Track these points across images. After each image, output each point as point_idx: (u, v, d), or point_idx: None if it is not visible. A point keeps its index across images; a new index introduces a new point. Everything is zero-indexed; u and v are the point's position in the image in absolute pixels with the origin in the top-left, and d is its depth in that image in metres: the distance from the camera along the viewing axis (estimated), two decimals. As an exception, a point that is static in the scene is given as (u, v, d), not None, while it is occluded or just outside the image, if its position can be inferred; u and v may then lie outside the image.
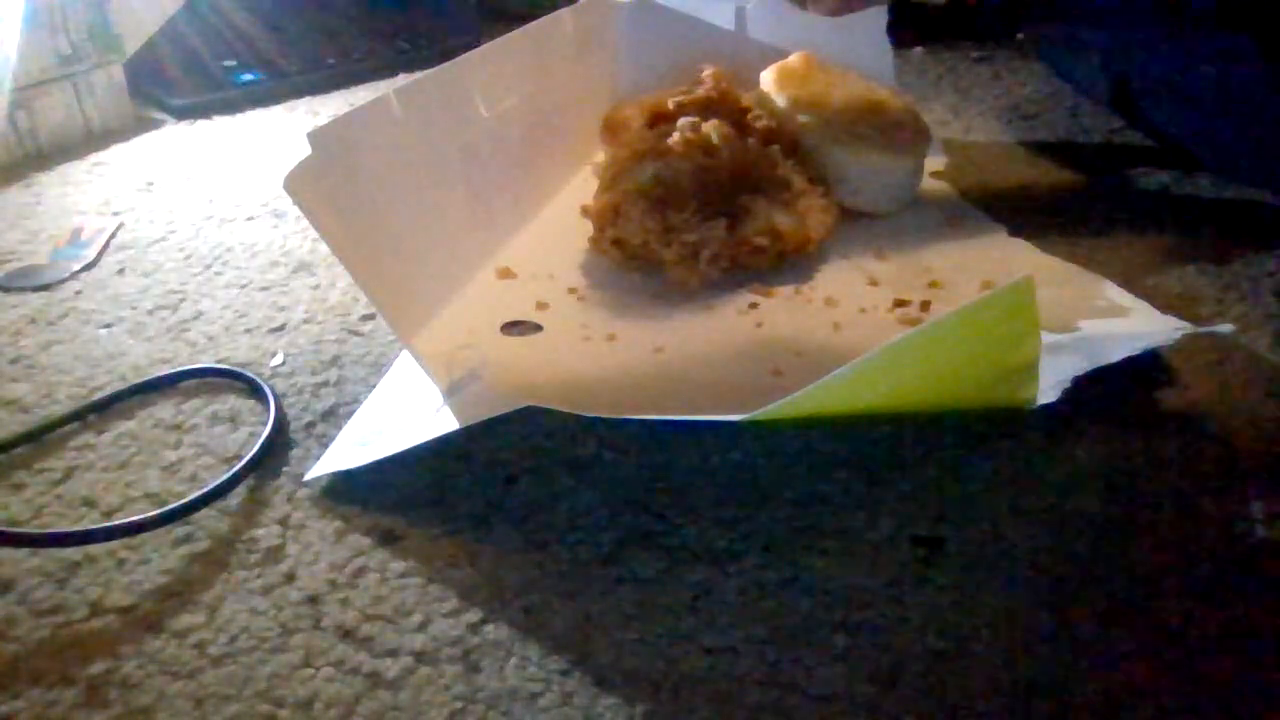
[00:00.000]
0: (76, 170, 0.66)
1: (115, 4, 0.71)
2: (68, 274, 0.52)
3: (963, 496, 0.35)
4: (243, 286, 0.51)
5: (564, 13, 0.57)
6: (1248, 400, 0.39)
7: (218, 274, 0.52)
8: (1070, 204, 0.56)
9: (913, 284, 0.47)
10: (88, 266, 0.53)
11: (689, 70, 0.58)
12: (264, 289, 0.50)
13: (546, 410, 0.35)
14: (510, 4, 0.96)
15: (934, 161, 0.59)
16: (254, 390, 0.42)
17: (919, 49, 0.82)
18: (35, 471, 0.38)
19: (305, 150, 0.35)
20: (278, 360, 0.44)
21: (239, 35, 0.85)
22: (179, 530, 0.34)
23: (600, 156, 0.55)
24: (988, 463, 0.36)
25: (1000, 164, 0.61)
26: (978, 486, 0.35)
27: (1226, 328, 0.38)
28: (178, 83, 0.79)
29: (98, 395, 0.42)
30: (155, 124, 0.75)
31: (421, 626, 0.31)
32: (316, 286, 0.50)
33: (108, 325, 0.48)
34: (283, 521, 0.35)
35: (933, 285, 0.47)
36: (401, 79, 0.82)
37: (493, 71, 0.50)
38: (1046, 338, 0.34)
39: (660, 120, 0.52)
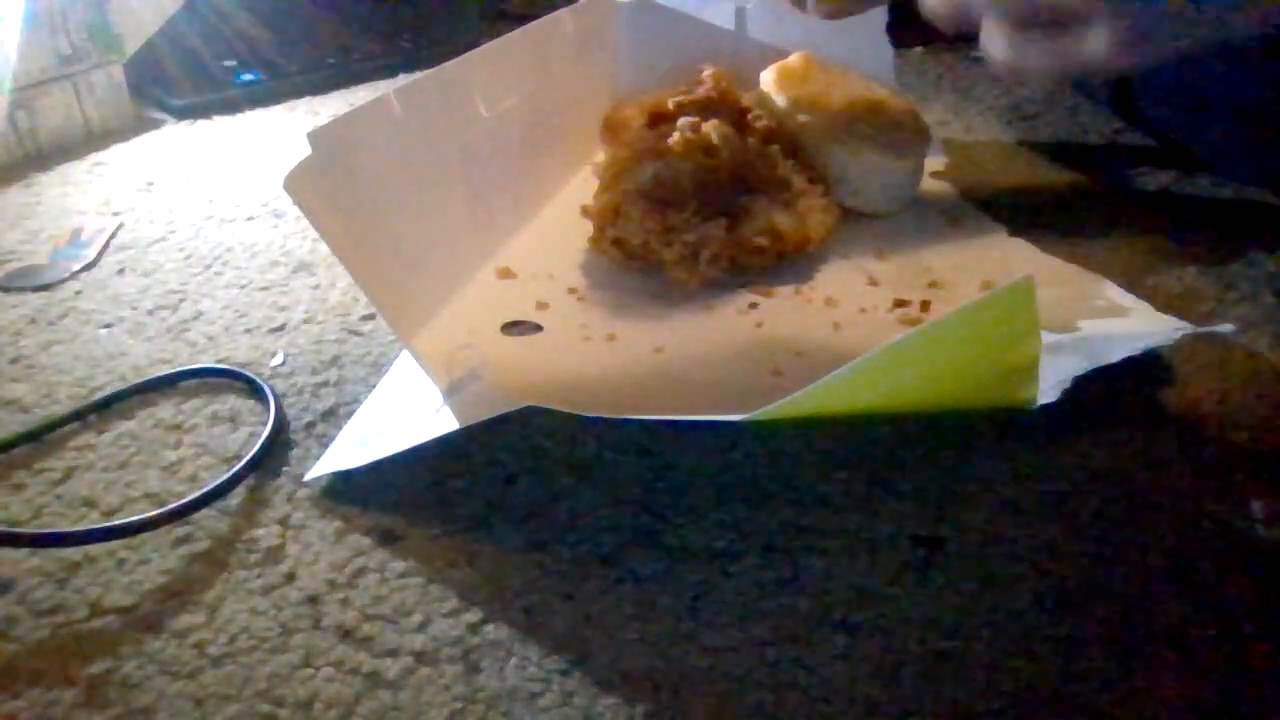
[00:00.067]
0: (76, 170, 0.66)
1: (115, 4, 0.71)
2: (68, 274, 0.52)
3: (963, 496, 0.35)
4: (243, 286, 0.51)
5: (564, 13, 0.57)
6: (1248, 400, 0.39)
7: (218, 274, 0.52)
8: (1070, 204, 0.56)
9: (913, 284, 0.47)
10: (88, 266, 0.53)
11: (689, 70, 0.58)
12: (264, 289, 0.50)
13: (546, 410, 0.35)
14: (510, 4, 0.96)
15: (934, 161, 0.59)
16: (254, 390, 0.42)
17: (919, 49, 0.82)
18: (35, 471, 0.38)
19: (305, 150, 0.35)
20: (278, 360, 0.44)
21: (239, 35, 0.85)
22: (179, 530, 0.34)
23: (600, 156, 0.55)
24: (988, 463, 0.36)
25: (1000, 164, 0.61)
26: (978, 486, 0.35)
27: (1226, 328, 0.38)
28: (178, 83, 0.79)
29: (98, 395, 0.42)
30: (155, 124, 0.75)
31: (421, 626, 0.31)
32: (316, 286, 0.50)
33: (108, 325, 0.48)
34: (283, 521, 0.35)
35: (933, 285, 0.47)
36: (401, 79, 0.82)
37: (493, 71, 0.50)
38: (1046, 338, 0.34)
39: (660, 120, 0.52)
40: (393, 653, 0.30)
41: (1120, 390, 0.39)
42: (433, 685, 0.29)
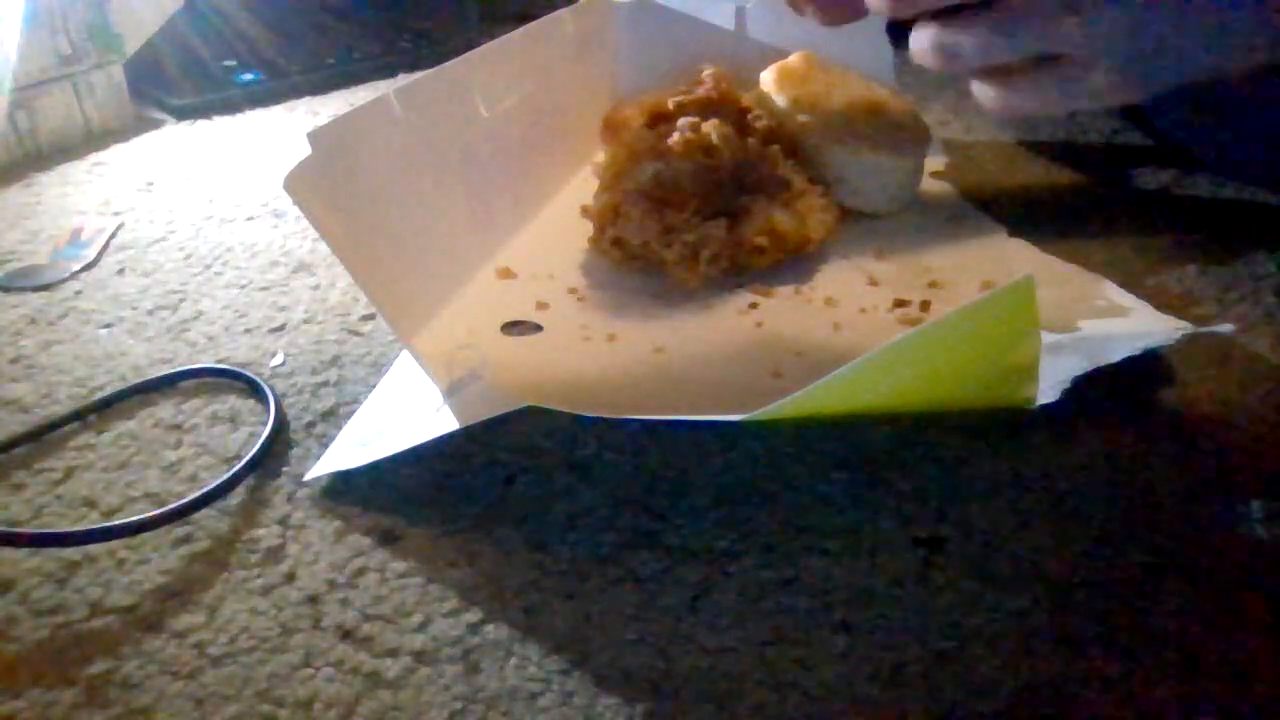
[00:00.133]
0: (76, 170, 0.66)
1: (115, 4, 0.71)
2: (68, 274, 0.52)
3: (963, 496, 0.35)
4: (243, 286, 0.51)
5: (564, 13, 0.57)
6: (1248, 400, 0.39)
7: (218, 274, 0.52)
8: (1070, 204, 0.56)
9: (913, 284, 0.47)
10: (88, 266, 0.53)
11: (689, 70, 0.58)
12: (264, 289, 0.50)
13: (546, 410, 0.35)
14: (510, 4, 0.96)
15: (934, 161, 0.59)
16: (254, 390, 0.42)
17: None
18: (35, 471, 0.38)
19: (305, 150, 0.35)
20: (278, 360, 0.44)
21: (239, 35, 0.85)
22: (179, 530, 0.34)
23: (600, 156, 0.55)
24: (988, 463, 0.36)
25: (1000, 164, 0.61)
26: (978, 486, 0.35)
27: (1226, 328, 0.38)
28: (178, 83, 0.79)
29: (98, 395, 0.42)
30: (155, 124, 0.75)
31: (421, 626, 0.31)
32: (316, 286, 0.50)
33: (108, 325, 0.48)
34: (283, 521, 0.35)
35: (933, 285, 0.47)
36: (401, 79, 0.82)
37: (493, 71, 0.50)
38: (1046, 338, 0.34)
39: (660, 120, 0.52)
40: (393, 653, 0.30)
41: (1120, 390, 0.39)
42: (433, 685, 0.29)
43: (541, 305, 0.46)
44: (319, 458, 0.37)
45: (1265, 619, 0.30)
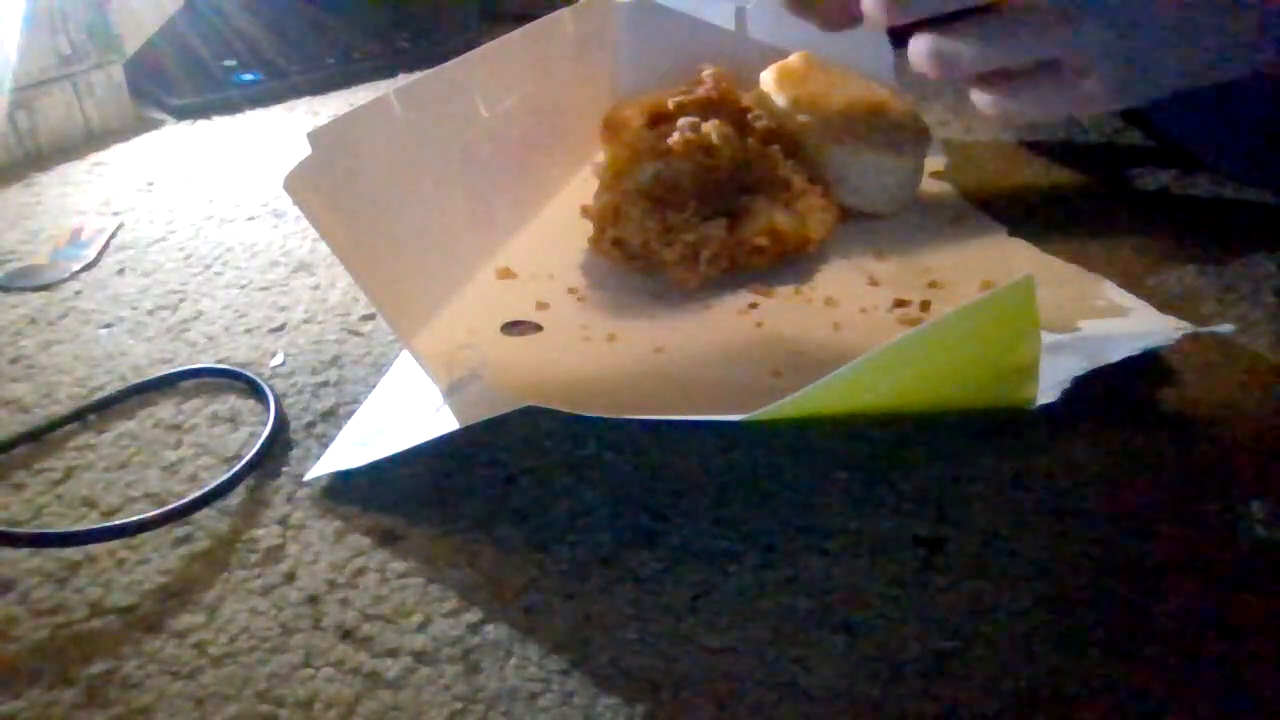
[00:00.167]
0: (76, 170, 0.66)
1: (115, 4, 0.71)
2: (68, 274, 0.52)
3: (963, 496, 0.35)
4: (243, 286, 0.51)
5: (564, 13, 0.57)
6: (1248, 400, 0.39)
7: (218, 274, 0.52)
8: (1070, 204, 0.56)
9: (913, 284, 0.47)
10: (88, 266, 0.53)
11: (689, 70, 0.58)
12: (264, 289, 0.50)
13: (546, 410, 0.35)
14: (510, 4, 0.96)
15: (934, 161, 0.59)
16: (254, 390, 0.42)
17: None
18: (35, 471, 0.38)
19: (305, 150, 0.35)
20: (278, 360, 0.44)
21: (239, 35, 0.85)
22: (179, 530, 0.34)
23: (600, 156, 0.55)
24: (988, 463, 0.36)
25: (1000, 164, 0.61)
26: (978, 487, 0.35)
27: (1226, 328, 0.38)
28: (178, 83, 0.79)
29: (98, 395, 0.42)
30: (155, 124, 0.75)
31: (421, 626, 0.31)
32: (316, 286, 0.50)
33: (108, 325, 0.48)
34: (283, 521, 0.35)
35: (933, 285, 0.47)
36: (401, 79, 0.82)
37: (493, 71, 0.50)
38: (1046, 338, 0.34)
39: (660, 120, 0.52)
40: (393, 653, 0.30)
41: (1120, 390, 0.39)
42: (433, 685, 0.29)
43: (541, 305, 0.46)
44: (319, 458, 0.37)
45: (1265, 619, 0.30)
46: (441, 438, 0.35)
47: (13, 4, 0.65)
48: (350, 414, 0.40)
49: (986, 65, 0.38)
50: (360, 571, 0.33)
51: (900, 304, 0.45)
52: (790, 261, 0.48)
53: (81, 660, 0.30)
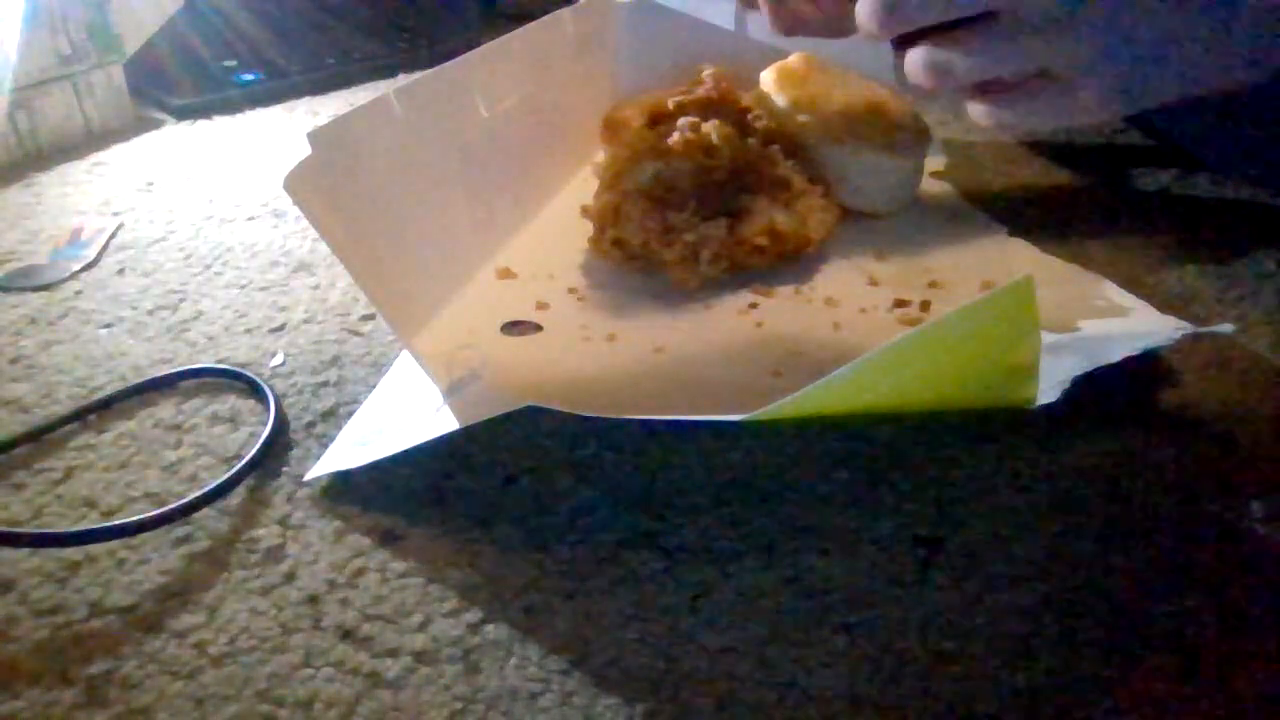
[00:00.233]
0: (76, 170, 0.66)
1: (115, 4, 0.71)
2: (68, 274, 0.52)
3: (963, 496, 0.35)
4: (243, 286, 0.51)
5: (564, 13, 0.57)
6: (1248, 400, 0.39)
7: (218, 274, 0.52)
8: (1070, 204, 0.56)
9: (913, 284, 0.47)
10: (88, 266, 0.53)
11: (689, 70, 0.58)
12: (264, 289, 0.50)
13: (546, 410, 0.35)
14: (510, 4, 0.96)
15: (934, 161, 0.59)
16: (254, 390, 0.42)
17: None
18: (35, 471, 0.38)
19: (305, 150, 0.35)
20: (278, 360, 0.44)
21: (239, 35, 0.85)
22: (179, 530, 0.34)
23: (600, 156, 0.55)
24: (988, 463, 0.36)
25: (1000, 164, 0.61)
26: (978, 486, 0.35)
27: (1226, 328, 0.38)
28: (178, 83, 0.79)
29: (98, 395, 0.42)
30: (155, 124, 0.75)
31: (421, 626, 0.31)
32: (316, 286, 0.50)
33: (108, 325, 0.48)
34: (283, 521, 0.35)
35: (933, 285, 0.47)
36: (401, 79, 0.82)
37: (493, 71, 0.50)
38: (1046, 338, 0.34)
39: (660, 120, 0.52)
40: (393, 653, 0.30)
41: (1120, 390, 0.39)
42: (433, 685, 0.29)
43: (541, 305, 0.46)
44: (319, 458, 0.37)
45: (1265, 619, 0.30)
46: (441, 438, 0.35)
47: (13, 4, 0.65)
48: (350, 414, 0.40)
49: (981, 76, 0.38)
50: (360, 571, 0.33)
51: (900, 304, 0.45)
52: (790, 261, 0.48)
53: (81, 660, 0.30)
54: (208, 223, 0.58)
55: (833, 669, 0.29)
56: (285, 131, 0.73)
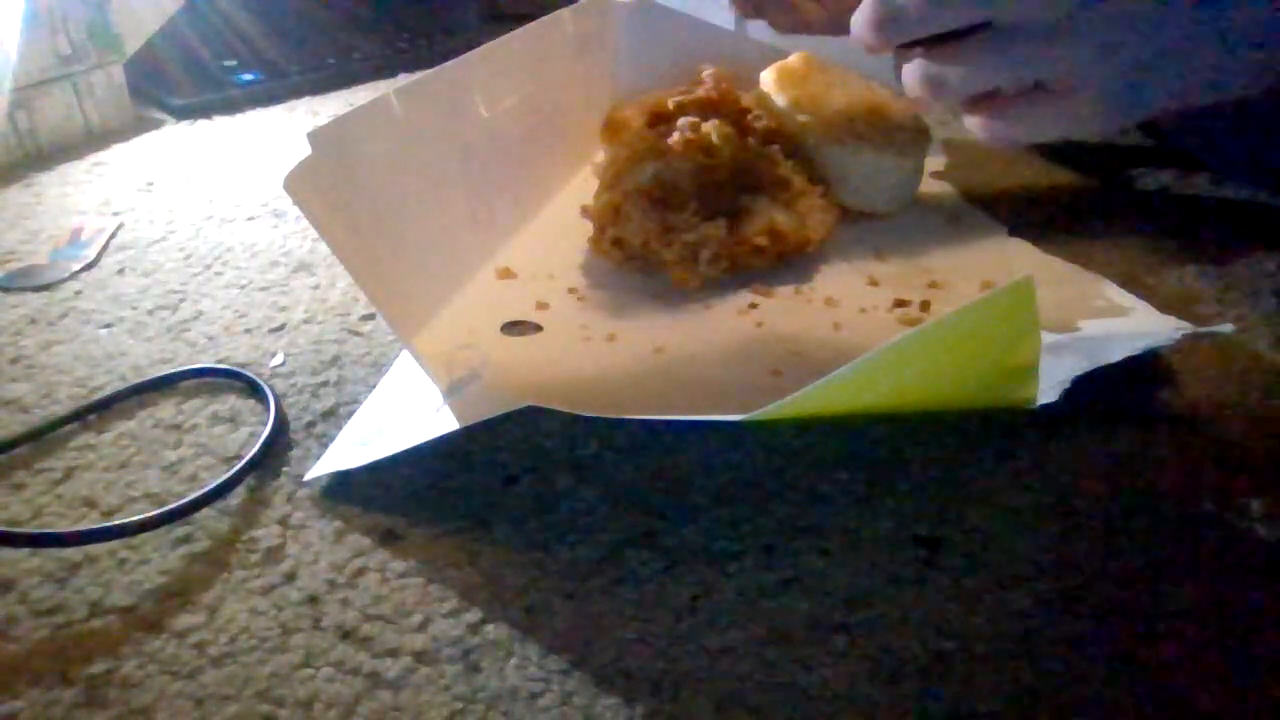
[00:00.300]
0: (76, 170, 0.66)
1: (115, 4, 0.71)
2: (68, 274, 0.52)
3: (963, 496, 0.35)
4: (243, 286, 0.51)
5: (564, 13, 0.57)
6: (1248, 400, 0.39)
7: (218, 274, 0.52)
8: (1070, 204, 0.56)
9: (913, 284, 0.47)
10: (88, 266, 0.53)
11: (689, 70, 0.58)
12: (264, 289, 0.50)
13: (546, 410, 0.35)
14: (510, 4, 0.96)
15: (934, 161, 0.59)
16: (254, 390, 0.42)
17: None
18: (35, 471, 0.38)
19: (305, 150, 0.35)
20: (278, 360, 0.44)
21: (239, 35, 0.85)
22: (179, 530, 0.34)
23: (600, 156, 0.55)
24: (988, 463, 0.36)
25: (1000, 164, 0.61)
26: (978, 486, 0.35)
27: (1226, 328, 0.38)
28: (178, 83, 0.79)
29: (98, 395, 0.42)
30: (155, 124, 0.75)
31: (421, 626, 0.31)
32: (316, 286, 0.50)
33: (108, 325, 0.48)
34: (283, 521, 0.35)
35: (933, 285, 0.47)
36: (401, 79, 0.82)
37: (493, 71, 0.50)
38: (1046, 338, 0.34)
39: (660, 120, 0.52)
40: (393, 653, 0.30)
41: (1120, 390, 0.39)
42: (433, 685, 0.29)
43: (541, 305, 0.46)
44: (319, 458, 0.37)
45: (1266, 618, 0.30)
46: (441, 438, 0.35)
47: (13, 4, 0.65)
48: (350, 414, 0.40)
49: (976, 88, 0.39)
50: (360, 571, 0.33)
51: (900, 304, 0.45)
52: (790, 261, 0.48)
53: (81, 660, 0.30)
54: (208, 223, 0.58)
55: (833, 669, 0.29)
56: (285, 131, 0.73)
